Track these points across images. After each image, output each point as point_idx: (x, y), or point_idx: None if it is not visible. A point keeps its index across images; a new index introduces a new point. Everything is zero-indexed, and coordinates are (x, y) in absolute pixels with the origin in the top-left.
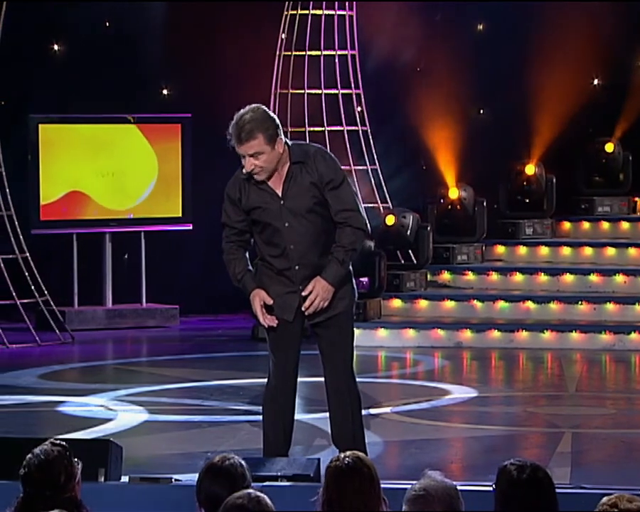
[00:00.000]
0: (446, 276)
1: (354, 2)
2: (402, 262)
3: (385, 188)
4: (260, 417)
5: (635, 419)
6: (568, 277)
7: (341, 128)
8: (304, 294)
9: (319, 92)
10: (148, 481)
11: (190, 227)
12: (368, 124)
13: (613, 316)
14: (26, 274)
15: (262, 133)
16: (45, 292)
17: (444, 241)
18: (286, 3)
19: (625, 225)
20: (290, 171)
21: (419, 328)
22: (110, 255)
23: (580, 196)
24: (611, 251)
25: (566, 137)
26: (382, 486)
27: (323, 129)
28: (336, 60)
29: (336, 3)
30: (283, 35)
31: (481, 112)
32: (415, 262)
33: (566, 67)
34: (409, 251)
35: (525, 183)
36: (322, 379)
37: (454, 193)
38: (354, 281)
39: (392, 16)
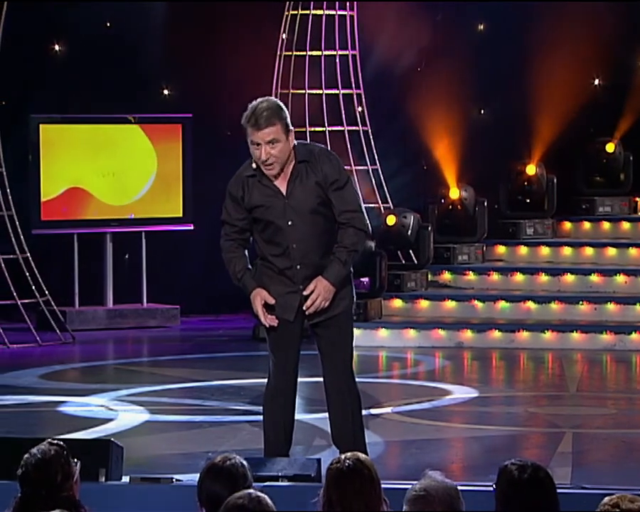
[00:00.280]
0: (446, 276)
1: (355, 2)
2: (403, 262)
3: (385, 188)
4: (261, 417)
5: (636, 419)
6: (569, 277)
7: (342, 128)
8: (305, 293)
9: (320, 92)
10: (149, 481)
11: (191, 228)
12: (368, 124)
13: (614, 316)
14: (27, 274)
15: (279, 121)
16: (46, 292)
17: (445, 241)
18: (287, 3)
19: (626, 225)
20: (295, 169)
21: (419, 328)
22: (111, 255)
23: (581, 196)
24: (611, 251)
25: (567, 137)
26: (382, 486)
27: (324, 129)
28: (337, 60)
29: (337, 3)
30: (284, 36)
31: (482, 112)
32: (416, 262)
33: (566, 67)
34: (410, 251)
35: (525, 183)
36: (322, 379)
37: (454, 193)
38: (353, 282)
39: (393, 16)
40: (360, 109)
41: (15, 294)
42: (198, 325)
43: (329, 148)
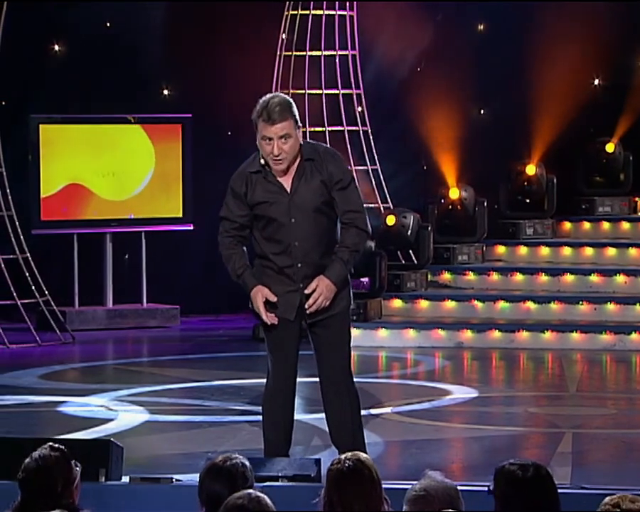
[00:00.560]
0: (446, 276)
1: (354, 2)
2: (403, 262)
3: (385, 188)
4: (260, 417)
5: (636, 419)
6: (569, 277)
7: (342, 128)
8: (307, 292)
9: (320, 92)
10: (148, 481)
11: (191, 228)
12: (368, 124)
13: (613, 316)
14: (27, 274)
15: (291, 116)
16: (46, 292)
17: (445, 241)
18: (287, 3)
19: (625, 225)
20: (301, 167)
21: (419, 329)
22: (111, 255)
23: (581, 196)
24: (611, 251)
25: (566, 137)
26: (382, 486)
27: (323, 129)
28: (337, 61)
29: (337, 3)
30: (283, 36)
31: (482, 112)
32: (416, 262)
33: (566, 67)
34: (410, 251)
35: (525, 183)
36: (318, 379)
37: (454, 193)
38: (351, 282)
39: (393, 16)
40: (359, 109)
41: (15, 294)
42: (197, 325)
43: None
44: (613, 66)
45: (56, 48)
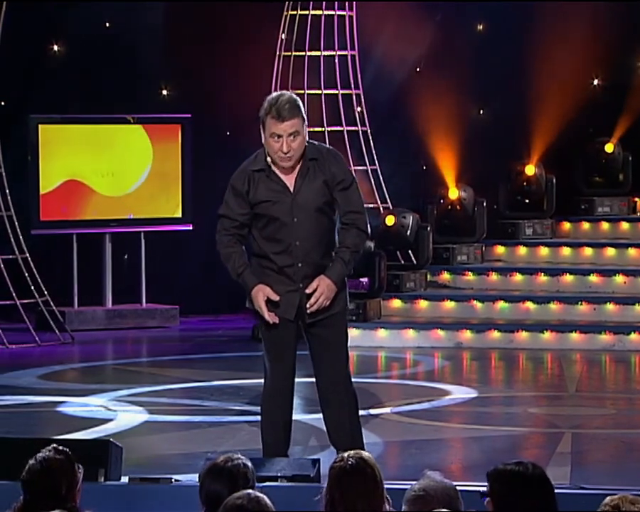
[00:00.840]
0: (446, 276)
1: (354, 2)
2: (402, 262)
3: (384, 189)
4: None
5: (635, 419)
6: (568, 278)
7: (341, 128)
8: (308, 291)
9: (319, 92)
10: (148, 481)
11: (190, 228)
12: (367, 125)
13: (613, 317)
14: (26, 274)
15: (300, 114)
16: (45, 292)
17: (444, 241)
18: (286, 3)
19: (625, 226)
20: (304, 166)
21: (419, 329)
22: (110, 255)
23: (580, 196)
24: (611, 251)
25: (566, 137)
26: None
27: (323, 129)
28: (336, 61)
29: (336, 3)
30: (283, 36)
31: (481, 112)
32: (415, 262)
33: (566, 67)
34: (409, 251)
35: (525, 184)
36: (315, 380)
37: (453, 194)
38: (348, 283)
39: (392, 16)
40: (359, 109)
41: (14, 294)
42: (197, 325)
43: None
44: (612, 66)
45: (55, 48)
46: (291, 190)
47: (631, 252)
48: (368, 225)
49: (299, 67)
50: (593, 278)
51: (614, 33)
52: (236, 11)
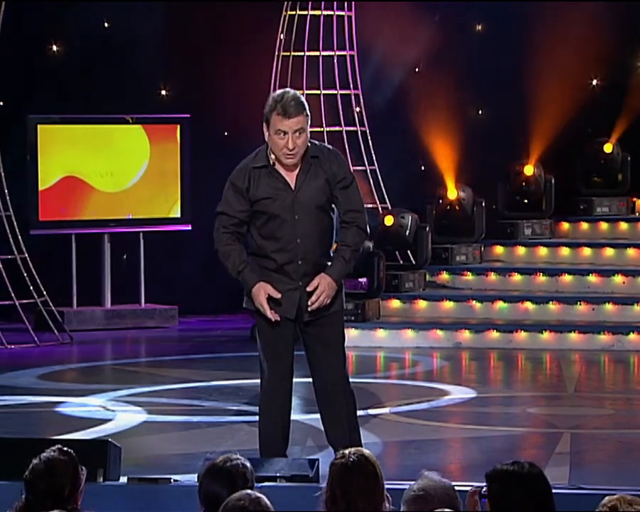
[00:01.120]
0: (444, 276)
1: (353, 3)
2: (401, 262)
3: (383, 189)
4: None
5: (634, 419)
6: (567, 278)
7: (340, 128)
8: (309, 289)
9: (318, 92)
10: (146, 481)
11: (189, 228)
12: (366, 125)
13: (612, 317)
14: (25, 274)
15: (305, 112)
16: (44, 293)
17: (443, 241)
18: (285, 3)
19: (624, 226)
20: (306, 164)
21: (417, 329)
22: (109, 256)
23: (579, 197)
24: (609, 251)
25: (565, 138)
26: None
27: (322, 129)
28: (335, 61)
29: (335, 3)
30: (282, 36)
31: (480, 112)
32: (414, 262)
33: (565, 67)
34: (408, 251)
35: (523, 184)
36: (311, 379)
37: (452, 194)
38: (345, 283)
39: (391, 17)
40: (358, 109)
41: (13, 294)
42: (196, 325)
43: None
44: (611, 66)
45: (54, 48)
46: (293, 187)
47: (630, 252)
48: (368, 225)
49: (297, 67)
50: (592, 278)
51: (613, 33)
52: (235, 11)
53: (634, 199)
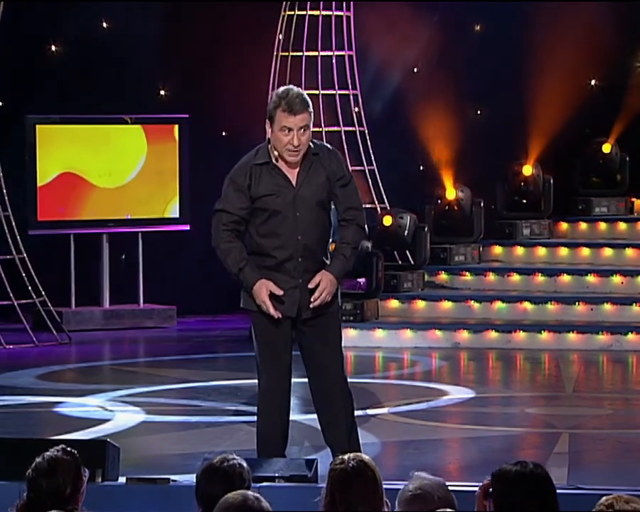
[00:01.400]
0: (443, 276)
1: (351, 3)
2: (400, 262)
3: (382, 189)
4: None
5: (632, 419)
6: (565, 278)
7: (339, 128)
8: (311, 286)
9: (317, 92)
10: (145, 481)
11: (188, 228)
12: (365, 125)
13: (610, 317)
14: (23, 274)
15: (309, 109)
16: (43, 293)
17: (442, 242)
18: (284, 3)
19: (622, 226)
20: (307, 162)
21: (416, 329)
22: (107, 256)
23: (577, 197)
24: (608, 251)
25: (563, 138)
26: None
27: (320, 129)
28: (334, 61)
29: (333, 3)
30: (280, 36)
31: (479, 112)
32: (412, 262)
33: (563, 67)
34: (407, 251)
35: (522, 184)
36: (307, 379)
37: (451, 194)
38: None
39: (390, 17)
40: (356, 109)
41: (11, 294)
42: (194, 325)
43: None
44: (610, 67)
45: (53, 48)
46: (294, 184)
47: (629, 252)
48: (366, 224)
49: (296, 67)
50: (590, 278)
51: (612, 33)
52: (235, 11)
53: (633, 199)
